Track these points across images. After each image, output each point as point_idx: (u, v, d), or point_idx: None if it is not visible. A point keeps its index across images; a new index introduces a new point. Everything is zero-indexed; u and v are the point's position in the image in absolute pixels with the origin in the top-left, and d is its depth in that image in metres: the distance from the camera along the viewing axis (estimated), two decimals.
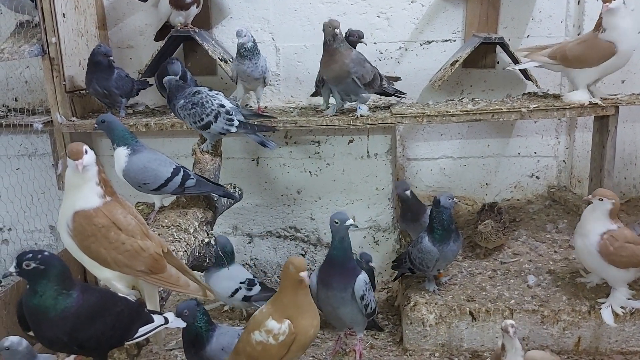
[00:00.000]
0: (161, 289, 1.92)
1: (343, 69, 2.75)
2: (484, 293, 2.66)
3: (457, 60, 3.00)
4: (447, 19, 3.28)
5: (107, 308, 1.62)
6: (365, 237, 3.48)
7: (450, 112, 2.88)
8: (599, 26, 2.70)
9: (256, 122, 2.64)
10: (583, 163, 3.38)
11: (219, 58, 3.10)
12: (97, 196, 1.67)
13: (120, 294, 1.72)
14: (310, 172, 3.47)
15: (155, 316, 1.74)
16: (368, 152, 3.41)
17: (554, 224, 3.20)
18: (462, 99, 3.20)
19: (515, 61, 3.11)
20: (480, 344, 2.59)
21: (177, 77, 2.86)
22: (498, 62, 3.33)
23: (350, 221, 2.16)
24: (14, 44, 2.98)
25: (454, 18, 3.27)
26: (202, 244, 2.37)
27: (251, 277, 2.90)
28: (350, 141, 3.40)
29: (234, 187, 2.82)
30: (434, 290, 2.68)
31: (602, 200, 2.37)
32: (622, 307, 2.47)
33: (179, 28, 3.10)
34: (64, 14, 2.98)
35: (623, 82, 3.24)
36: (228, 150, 3.09)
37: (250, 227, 3.57)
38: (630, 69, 3.17)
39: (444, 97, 3.30)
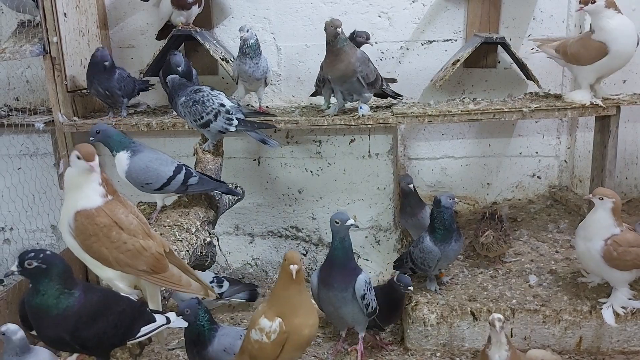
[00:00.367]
0: (163, 288, 1.92)
1: (349, 68, 2.75)
2: (485, 293, 2.66)
3: (458, 60, 3.00)
4: (448, 19, 3.28)
5: (109, 307, 1.62)
6: (366, 237, 3.48)
7: (451, 111, 2.88)
8: (591, 27, 2.73)
9: (256, 120, 2.64)
10: (584, 163, 3.38)
11: (220, 58, 3.10)
12: (99, 196, 1.67)
13: (122, 294, 1.72)
14: (311, 171, 3.47)
15: (157, 316, 1.74)
16: (369, 151, 3.41)
17: (555, 224, 3.20)
18: (464, 98, 3.20)
19: (517, 61, 3.11)
20: (482, 344, 2.58)
21: (180, 68, 2.86)
22: (499, 62, 3.33)
23: (351, 221, 2.16)
24: (15, 43, 2.99)
25: (455, 18, 3.27)
26: (203, 244, 2.37)
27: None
28: (352, 141, 3.40)
29: (236, 187, 2.81)
30: (435, 290, 2.68)
31: (602, 199, 2.36)
32: (623, 307, 2.47)
33: (180, 28, 3.10)
34: (65, 14, 2.98)
35: (624, 82, 3.24)
36: (229, 149, 3.09)
37: (251, 227, 3.57)
38: (632, 69, 3.17)
39: (445, 96, 3.30)
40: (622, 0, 2.71)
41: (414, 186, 2.95)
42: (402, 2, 3.27)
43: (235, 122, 2.52)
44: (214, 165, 2.67)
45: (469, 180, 3.53)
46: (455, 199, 2.56)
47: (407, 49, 3.35)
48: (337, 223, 2.16)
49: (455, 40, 3.31)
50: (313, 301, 1.97)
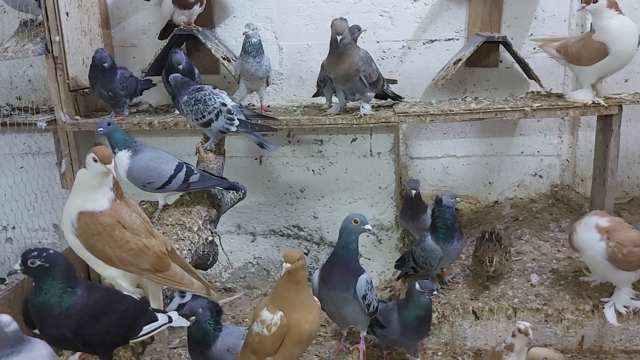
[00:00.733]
0: (165, 287, 1.92)
1: (352, 67, 2.75)
2: (487, 292, 2.66)
3: (460, 59, 3.00)
4: (450, 18, 3.28)
5: (111, 306, 1.62)
6: (368, 236, 3.47)
7: (453, 111, 2.87)
8: (592, 26, 2.72)
9: (257, 122, 2.63)
10: (586, 162, 3.38)
11: (222, 57, 3.11)
12: (108, 200, 1.67)
13: (124, 292, 1.73)
14: (313, 170, 3.47)
15: (159, 315, 1.75)
16: (371, 150, 3.41)
17: (557, 223, 3.20)
18: (465, 97, 3.19)
19: (519, 60, 3.11)
20: (484, 343, 2.59)
21: (180, 66, 2.86)
22: (501, 61, 3.33)
23: (369, 225, 2.14)
24: (17, 42, 3.00)
25: (457, 17, 3.27)
26: (206, 243, 2.37)
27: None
28: (353, 140, 3.40)
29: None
30: (437, 289, 2.68)
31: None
32: (625, 307, 2.47)
33: (182, 27, 3.10)
34: (67, 13, 2.99)
35: (626, 81, 3.24)
36: (231, 148, 3.10)
37: (253, 226, 3.57)
38: (634, 68, 3.17)
39: (447, 96, 3.30)
40: (624, 0, 2.72)
41: (417, 192, 2.86)
42: (403, 1, 3.27)
43: (237, 122, 2.52)
44: (215, 164, 2.67)
45: (470, 180, 3.53)
46: (457, 199, 2.55)
47: (409, 48, 3.35)
48: (356, 222, 2.14)
49: (457, 40, 3.31)
50: (316, 299, 1.96)
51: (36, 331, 1.61)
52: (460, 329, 2.58)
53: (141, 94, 3.26)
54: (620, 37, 2.63)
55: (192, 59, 3.32)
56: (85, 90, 3.18)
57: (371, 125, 3.02)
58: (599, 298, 2.55)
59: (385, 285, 3.44)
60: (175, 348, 2.78)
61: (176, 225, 2.31)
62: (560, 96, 3.03)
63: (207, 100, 2.49)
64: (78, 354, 1.73)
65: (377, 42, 3.32)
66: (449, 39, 3.31)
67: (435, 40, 3.32)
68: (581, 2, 2.64)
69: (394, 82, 3.21)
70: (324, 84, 3.06)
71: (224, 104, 2.52)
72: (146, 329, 1.70)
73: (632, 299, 2.47)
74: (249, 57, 2.82)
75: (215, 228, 2.54)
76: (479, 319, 2.56)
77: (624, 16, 2.65)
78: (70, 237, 1.67)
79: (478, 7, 3.21)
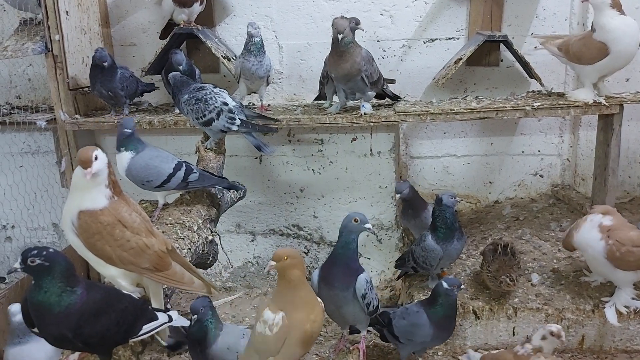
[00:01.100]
0: (165, 286, 1.92)
1: (354, 67, 2.74)
2: (487, 291, 2.65)
3: (460, 58, 2.99)
4: (450, 17, 3.27)
5: (111, 305, 1.62)
6: (368, 236, 3.47)
7: (454, 110, 2.87)
8: (593, 25, 2.71)
9: (258, 123, 2.63)
10: (587, 161, 3.37)
11: (222, 56, 3.10)
12: (105, 198, 1.67)
13: (124, 291, 1.72)
14: (313, 170, 3.46)
15: (159, 314, 1.74)
16: (371, 150, 3.41)
17: (557, 223, 3.19)
18: (466, 97, 3.19)
19: (520, 59, 3.10)
20: (484, 342, 2.58)
21: (181, 66, 2.86)
22: (502, 60, 3.33)
23: (370, 225, 2.14)
24: (17, 41, 2.99)
25: (458, 16, 3.27)
26: (205, 242, 2.37)
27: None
28: (354, 139, 3.40)
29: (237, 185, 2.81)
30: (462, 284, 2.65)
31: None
32: (626, 307, 2.46)
33: (182, 26, 3.09)
34: (67, 12, 2.98)
35: (628, 80, 3.23)
36: (231, 148, 3.09)
37: (253, 225, 3.57)
38: (635, 67, 3.16)
39: (447, 95, 3.30)
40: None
41: (410, 189, 2.83)
42: (404, 0, 3.27)
43: (238, 121, 2.52)
44: (216, 163, 2.67)
45: (471, 179, 3.52)
46: (457, 198, 2.54)
47: (410, 47, 3.34)
48: (356, 221, 2.14)
49: (458, 39, 3.30)
50: (319, 299, 1.95)
51: (35, 330, 1.60)
52: (460, 328, 2.57)
53: (141, 96, 3.25)
54: (622, 37, 2.63)
55: (192, 58, 3.32)
56: (85, 89, 3.17)
57: (371, 124, 3.02)
58: (599, 298, 2.54)
59: (385, 285, 3.43)
60: None
61: (176, 225, 2.31)
62: (561, 95, 3.02)
63: (208, 99, 2.49)
64: (78, 353, 1.73)
65: (378, 41, 3.32)
66: (450, 38, 3.31)
67: (436, 39, 3.32)
68: None
69: (393, 81, 3.20)
70: (326, 81, 3.05)
71: (225, 104, 2.51)
72: (146, 328, 1.69)
73: (633, 298, 2.47)
74: (250, 56, 2.81)
75: (215, 227, 2.54)
76: (479, 319, 2.56)
77: (626, 16, 2.64)
78: (70, 236, 1.67)
79: (479, 5, 3.21)
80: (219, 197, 2.61)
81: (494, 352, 2.30)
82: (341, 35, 2.66)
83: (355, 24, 2.85)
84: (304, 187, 3.49)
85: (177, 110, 2.93)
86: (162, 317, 1.74)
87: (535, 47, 3.01)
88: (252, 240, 3.61)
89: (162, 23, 3.28)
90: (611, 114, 2.87)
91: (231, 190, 2.63)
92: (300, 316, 1.80)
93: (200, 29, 3.11)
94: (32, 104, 3.29)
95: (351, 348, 2.39)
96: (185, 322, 1.95)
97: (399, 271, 2.95)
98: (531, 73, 3.11)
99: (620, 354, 2.51)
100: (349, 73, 2.77)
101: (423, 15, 3.28)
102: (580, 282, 2.66)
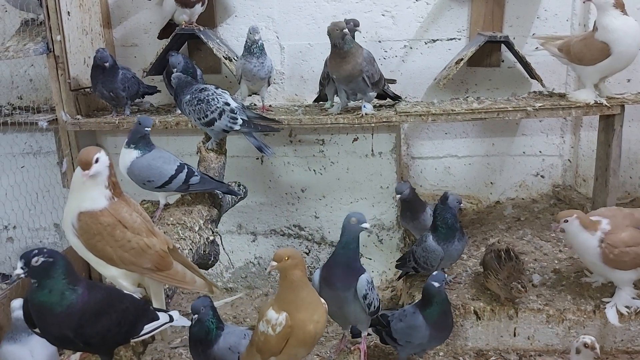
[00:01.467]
0: (167, 286, 1.92)
1: (356, 68, 2.74)
2: (488, 292, 2.65)
3: (462, 59, 2.99)
4: (452, 18, 3.27)
5: (112, 305, 1.62)
6: (369, 236, 3.48)
7: (455, 110, 2.87)
8: (595, 25, 2.71)
9: (260, 123, 2.63)
10: (588, 162, 3.37)
11: (223, 56, 3.10)
12: (105, 198, 1.66)
13: (125, 291, 1.72)
14: (314, 170, 3.46)
15: (160, 314, 1.74)
16: (372, 150, 3.41)
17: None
18: (467, 97, 3.19)
19: (521, 60, 3.10)
20: (485, 343, 2.58)
21: (175, 69, 2.85)
22: (503, 61, 3.33)
23: (367, 224, 2.14)
24: (19, 42, 2.99)
25: (459, 16, 3.27)
26: (207, 242, 2.37)
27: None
28: (355, 140, 3.40)
29: (239, 185, 2.82)
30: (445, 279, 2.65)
31: (567, 221, 2.36)
32: (626, 307, 2.46)
33: (183, 26, 3.10)
34: (68, 12, 2.99)
35: (629, 80, 3.23)
36: (233, 148, 3.09)
37: (254, 226, 3.57)
38: (637, 68, 3.16)
39: (448, 95, 3.30)
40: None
41: (410, 191, 2.83)
42: (405, 1, 3.27)
43: (240, 121, 2.52)
44: (217, 163, 2.67)
45: (472, 180, 3.52)
46: (462, 204, 2.53)
47: (411, 48, 3.34)
48: (354, 222, 2.14)
49: (459, 39, 3.30)
50: (322, 300, 1.95)
51: (37, 330, 1.60)
52: (461, 329, 2.57)
53: (143, 97, 3.26)
54: (623, 38, 2.62)
55: (193, 59, 3.33)
56: (86, 89, 3.18)
57: (373, 124, 3.02)
58: (600, 298, 2.54)
59: (386, 286, 3.43)
60: (176, 347, 2.78)
61: (177, 225, 2.31)
62: (562, 96, 3.02)
63: (210, 100, 2.50)
64: (79, 353, 1.73)
65: (379, 41, 3.32)
66: (451, 39, 3.31)
67: (437, 39, 3.32)
68: None
69: (393, 82, 3.21)
70: (327, 82, 3.06)
71: (227, 104, 2.52)
72: (147, 328, 1.69)
73: (634, 298, 2.46)
74: (252, 58, 2.82)
75: (217, 228, 2.54)
76: (480, 319, 2.56)
77: (629, 17, 2.64)
78: (71, 237, 1.67)
79: (480, 6, 3.21)
80: (220, 197, 2.62)
81: None
82: (345, 30, 2.66)
83: (354, 25, 2.86)
84: (305, 188, 3.49)
85: (179, 111, 2.94)
86: (163, 317, 1.74)
87: (537, 48, 3.01)
88: (254, 241, 3.61)
89: (162, 23, 3.28)
90: (612, 115, 2.87)
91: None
92: (303, 317, 1.80)
93: (201, 29, 3.11)
94: (33, 104, 3.30)
95: (352, 348, 2.39)
96: (187, 322, 1.95)
97: (400, 271, 2.95)
98: (532, 74, 3.11)
99: (621, 355, 2.51)
100: (351, 74, 2.78)
101: (424, 16, 3.28)
102: (581, 283, 2.66)
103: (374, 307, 2.28)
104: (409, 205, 2.85)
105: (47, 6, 2.90)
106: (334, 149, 3.42)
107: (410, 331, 2.28)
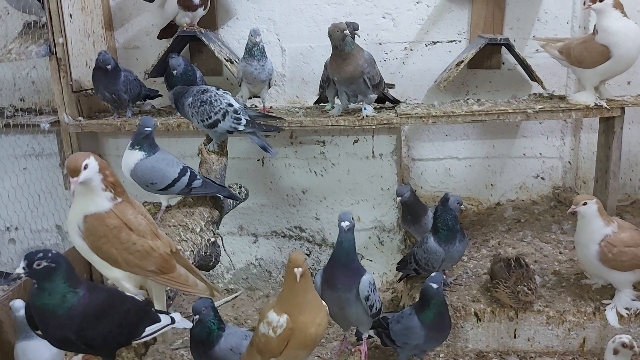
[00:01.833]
0: (168, 288, 1.93)
1: (357, 69, 2.75)
2: (488, 294, 2.66)
3: (462, 61, 3.00)
4: (452, 20, 3.28)
5: (114, 306, 1.62)
6: (370, 238, 3.49)
7: (455, 112, 2.88)
8: (595, 27, 2.72)
9: (263, 122, 2.65)
10: (588, 164, 3.38)
11: (224, 59, 3.11)
12: (107, 200, 1.66)
13: (127, 293, 1.73)
14: (315, 172, 3.47)
15: (162, 316, 1.75)
16: (373, 152, 3.41)
17: (559, 225, 3.20)
18: (468, 99, 3.20)
19: (521, 62, 3.11)
20: (486, 345, 2.59)
21: (175, 71, 2.87)
22: (503, 63, 3.34)
23: (346, 223, 2.14)
24: (21, 44, 3.00)
25: (460, 19, 3.28)
26: (208, 244, 2.38)
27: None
28: (356, 141, 3.41)
29: (240, 187, 2.83)
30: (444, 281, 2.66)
31: (586, 204, 2.34)
32: (626, 309, 2.46)
33: (185, 28, 3.11)
34: (70, 15, 3.00)
35: (629, 83, 3.24)
36: (234, 150, 3.10)
37: (255, 227, 3.58)
38: (637, 71, 3.16)
39: (449, 97, 3.31)
40: (627, 1, 2.71)
41: (410, 195, 2.83)
42: (406, 3, 3.28)
43: (244, 121, 2.53)
44: (218, 165, 2.68)
45: (472, 181, 3.53)
46: (463, 206, 2.53)
47: (411, 50, 3.35)
48: (338, 221, 2.16)
49: (459, 42, 3.31)
50: (323, 302, 1.96)
51: (39, 332, 1.61)
52: (461, 330, 2.58)
53: (144, 100, 3.27)
54: (624, 40, 2.62)
55: (195, 61, 3.34)
56: (88, 91, 3.19)
57: (373, 126, 3.03)
58: (600, 300, 2.55)
59: (387, 287, 3.44)
60: (177, 349, 2.79)
61: (179, 227, 2.32)
62: (562, 98, 3.03)
63: (212, 101, 2.50)
64: (81, 355, 1.74)
65: (380, 43, 3.33)
66: (451, 41, 3.32)
67: (438, 42, 3.33)
68: (587, 1, 2.62)
69: (392, 86, 3.22)
70: (327, 85, 3.07)
71: (230, 105, 2.52)
72: (149, 330, 1.70)
73: (634, 300, 2.47)
74: (253, 60, 2.83)
75: (218, 229, 2.55)
76: (480, 321, 2.56)
77: (629, 19, 2.64)
78: (76, 239, 1.67)
79: (480, 9, 3.22)
80: (221, 199, 2.63)
81: None
82: (345, 31, 2.67)
83: (353, 28, 2.87)
84: (306, 189, 3.50)
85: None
86: (164, 319, 1.75)
87: (537, 50, 3.02)
88: (255, 242, 3.62)
89: (162, 24, 3.29)
90: (612, 117, 2.88)
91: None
92: (304, 319, 1.81)
93: (203, 32, 3.13)
94: (35, 106, 3.31)
95: (353, 350, 2.40)
96: (188, 324, 1.96)
97: (401, 273, 2.95)
98: (533, 76, 3.11)
99: None
100: (352, 75, 2.79)
101: (425, 19, 3.30)
102: (581, 285, 2.67)
103: (376, 308, 2.29)
104: (410, 208, 2.86)
105: (49, 9, 2.91)
106: (334, 151, 3.43)
107: (406, 332, 2.30)
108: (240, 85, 2.98)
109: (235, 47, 3.35)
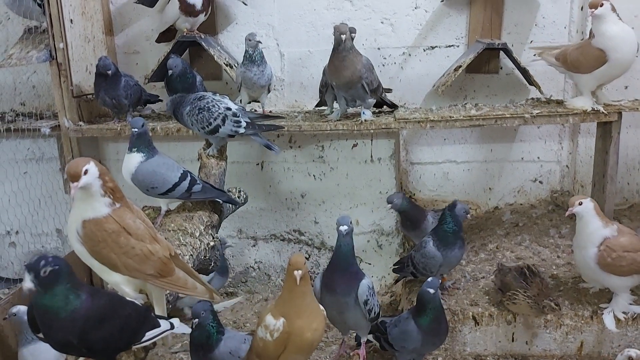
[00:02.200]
0: (168, 292, 1.94)
1: (355, 74, 2.77)
2: (487, 297, 2.67)
3: (460, 66, 3.02)
4: (450, 25, 3.30)
5: (115, 311, 1.64)
6: (368, 241, 3.50)
7: (453, 117, 2.89)
8: (591, 32, 2.73)
9: (264, 123, 2.66)
10: (586, 168, 3.39)
11: (224, 63, 3.13)
12: (106, 205, 1.68)
13: (127, 298, 1.75)
14: (314, 176, 3.49)
15: (161, 321, 1.76)
16: (372, 156, 3.43)
17: (556, 229, 3.21)
18: (466, 104, 3.21)
19: (519, 66, 3.13)
20: (484, 349, 2.60)
21: (171, 71, 2.87)
22: (501, 68, 3.35)
23: (345, 227, 2.15)
24: (22, 49, 3.02)
25: (458, 24, 3.30)
26: (207, 248, 2.39)
27: None
28: (354, 145, 3.42)
29: (239, 191, 2.84)
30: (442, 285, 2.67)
31: (582, 203, 2.34)
32: (624, 312, 2.48)
33: (185, 33, 3.13)
34: (71, 20, 3.02)
35: (626, 87, 3.26)
36: (233, 154, 3.12)
37: (254, 231, 3.59)
38: (634, 75, 3.19)
39: (447, 102, 3.32)
40: (625, 6, 2.73)
41: (404, 202, 2.84)
42: (404, 9, 3.30)
43: (244, 124, 2.54)
44: (218, 169, 2.69)
45: (471, 185, 3.54)
46: (469, 215, 2.53)
47: (410, 55, 3.37)
48: (337, 225, 2.18)
49: (458, 46, 3.33)
50: (321, 307, 1.97)
51: (40, 335, 1.63)
52: (460, 334, 2.59)
53: (145, 105, 3.28)
54: (620, 45, 2.64)
55: (195, 66, 3.36)
56: (88, 96, 3.20)
57: (372, 131, 3.04)
58: (598, 304, 2.56)
59: (386, 291, 3.45)
60: (176, 352, 2.80)
61: (178, 231, 2.34)
62: (560, 103, 3.05)
63: (210, 107, 2.50)
64: (82, 358, 1.75)
65: (378, 48, 3.35)
66: (450, 46, 3.34)
67: (436, 46, 3.35)
68: (590, 8, 2.63)
69: (389, 90, 3.23)
70: (325, 90, 3.09)
71: (229, 108, 2.53)
72: (148, 335, 1.71)
73: (631, 304, 2.48)
74: (253, 66, 2.84)
75: (217, 233, 2.57)
76: (478, 325, 2.58)
77: (624, 23, 2.66)
78: (75, 244, 1.68)
79: (478, 14, 3.23)
80: (220, 203, 2.64)
81: None
82: (344, 35, 2.69)
83: (350, 32, 2.89)
84: (305, 193, 3.51)
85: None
86: (164, 325, 1.76)
87: (534, 55, 3.03)
88: (254, 246, 3.63)
89: (162, 29, 3.30)
90: (609, 122, 2.89)
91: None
92: (301, 323, 1.82)
93: (203, 36, 3.15)
94: (36, 110, 3.32)
95: (352, 354, 2.41)
96: (187, 330, 1.97)
97: (397, 275, 2.96)
98: (530, 80, 3.13)
99: None
100: (350, 80, 2.80)
101: (423, 24, 3.31)
102: (579, 289, 2.68)
103: (374, 313, 2.30)
104: (408, 215, 2.87)
105: (50, 14, 2.92)
106: (333, 155, 3.44)
107: (403, 336, 2.31)
108: (239, 90, 2.99)
109: (234, 52, 3.37)
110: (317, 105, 3.31)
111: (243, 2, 3.26)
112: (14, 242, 3.63)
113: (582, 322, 2.52)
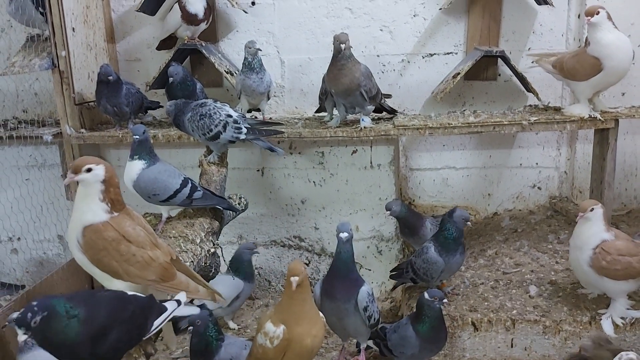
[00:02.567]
0: (169, 296, 1.95)
1: (354, 82, 2.80)
2: (486, 303, 2.68)
3: (458, 73, 3.04)
4: (449, 32, 3.33)
5: (116, 318, 1.64)
6: (368, 247, 3.51)
7: (452, 124, 2.92)
8: (587, 40, 2.75)
9: (264, 128, 2.68)
10: (584, 174, 3.41)
11: (225, 71, 3.16)
12: (103, 211, 1.70)
13: (128, 293, 1.74)
14: (314, 182, 3.50)
15: (167, 304, 1.76)
16: (371, 162, 3.44)
17: (555, 235, 3.22)
18: (464, 111, 3.23)
19: (517, 73, 3.15)
20: (483, 354, 2.61)
21: (172, 78, 2.90)
22: (499, 75, 3.38)
23: (345, 234, 2.16)
24: (24, 57, 3.04)
25: (456, 31, 3.32)
26: (208, 254, 2.41)
27: None
28: (354, 152, 3.44)
29: (240, 198, 2.86)
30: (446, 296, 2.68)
31: (593, 209, 2.36)
32: (622, 318, 2.48)
33: (186, 41, 3.16)
34: (73, 28, 3.05)
35: (623, 94, 3.28)
36: (233, 160, 3.14)
37: (255, 237, 3.60)
38: (631, 82, 3.21)
39: (446, 109, 3.35)
40: (621, 14, 2.76)
41: (402, 209, 2.86)
42: (403, 16, 3.33)
43: (244, 130, 2.57)
44: (218, 176, 2.71)
45: (469, 191, 3.56)
46: (469, 222, 2.55)
47: (409, 62, 3.40)
48: (337, 232, 2.19)
49: (456, 54, 3.36)
50: (321, 314, 1.98)
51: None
52: (459, 340, 2.60)
53: (146, 112, 3.31)
54: (615, 53, 2.66)
55: (195, 73, 3.39)
56: (90, 103, 3.23)
57: (371, 137, 3.06)
58: (596, 310, 2.57)
59: (385, 297, 3.46)
60: (177, 358, 2.80)
61: (179, 238, 2.36)
62: (557, 110, 3.07)
63: (212, 114, 2.54)
64: None
65: (377, 56, 3.38)
66: (448, 53, 3.37)
67: (435, 54, 3.38)
68: (586, 16, 2.65)
69: (389, 96, 3.26)
70: (325, 97, 3.11)
71: (230, 115, 2.57)
72: (157, 322, 1.72)
73: (628, 309, 2.49)
74: (252, 74, 2.87)
75: (218, 240, 2.58)
76: (477, 330, 2.59)
77: (619, 31, 2.68)
78: (76, 253, 1.70)
79: (476, 21, 3.26)
80: (221, 210, 2.66)
81: None
82: (344, 45, 2.72)
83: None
84: (305, 199, 3.53)
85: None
86: (170, 305, 1.76)
87: (532, 62, 3.06)
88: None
89: (163, 36, 3.33)
90: (607, 129, 2.91)
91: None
92: (301, 330, 1.83)
93: (204, 44, 3.18)
94: (38, 118, 3.35)
95: None
96: (195, 310, 1.94)
97: (395, 282, 2.97)
98: (528, 87, 3.15)
99: None
100: (349, 88, 2.83)
101: (422, 31, 3.34)
102: (577, 294, 2.69)
103: (374, 319, 2.31)
104: (406, 221, 2.89)
105: (52, 22, 2.95)
106: (333, 161, 3.46)
107: (402, 342, 2.33)
108: (239, 98, 3.02)
109: (235, 59, 3.39)
110: (317, 111, 3.33)
111: (244, 10, 3.29)
112: (16, 249, 3.64)
113: (581, 327, 2.53)
